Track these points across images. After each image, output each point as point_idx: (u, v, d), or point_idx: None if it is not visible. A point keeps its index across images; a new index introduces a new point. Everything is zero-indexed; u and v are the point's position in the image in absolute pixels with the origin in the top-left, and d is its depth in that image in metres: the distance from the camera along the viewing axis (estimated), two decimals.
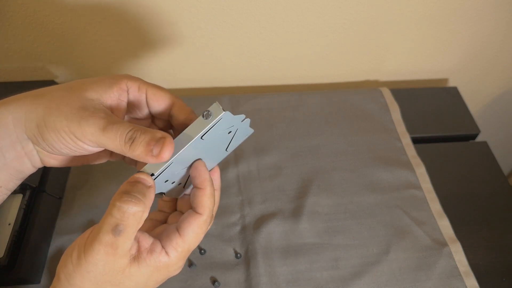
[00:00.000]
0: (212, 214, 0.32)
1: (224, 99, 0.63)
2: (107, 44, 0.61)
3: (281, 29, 0.62)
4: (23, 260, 0.42)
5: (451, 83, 0.76)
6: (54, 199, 0.50)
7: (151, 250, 0.29)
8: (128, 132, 0.28)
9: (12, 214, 0.43)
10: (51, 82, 0.53)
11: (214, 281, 0.45)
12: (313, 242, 0.48)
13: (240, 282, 0.45)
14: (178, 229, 0.31)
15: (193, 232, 0.31)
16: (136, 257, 0.29)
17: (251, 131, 0.35)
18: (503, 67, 0.75)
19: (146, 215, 0.29)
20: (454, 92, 0.69)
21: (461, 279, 0.46)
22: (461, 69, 0.74)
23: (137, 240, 0.29)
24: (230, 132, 0.32)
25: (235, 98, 0.63)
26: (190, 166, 0.32)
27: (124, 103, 0.31)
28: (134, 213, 0.28)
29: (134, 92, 0.31)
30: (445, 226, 0.50)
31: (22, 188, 0.44)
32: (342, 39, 0.65)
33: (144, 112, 0.33)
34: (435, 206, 0.52)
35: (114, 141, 0.28)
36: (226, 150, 0.35)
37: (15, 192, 0.44)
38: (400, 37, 0.66)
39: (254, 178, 0.54)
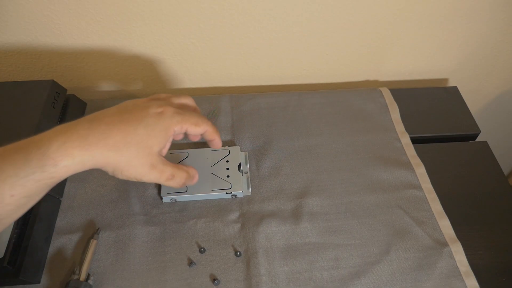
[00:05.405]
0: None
1: (224, 99, 0.63)
2: (106, 44, 0.61)
3: (281, 29, 0.62)
4: (23, 260, 0.42)
5: (451, 83, 0.76)
6: (54, 199, 0.50)
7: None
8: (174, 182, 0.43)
9: None
10: (51, 82, 0.54)
11: (214, 279, 0.45)
12: (313, 241, 0.48)
13: (239, 281, 0.45)
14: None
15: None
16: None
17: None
18: (503, 67, 0.75)
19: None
20: (454, 92, 0.69)
21: (461, 279, 0.46)
22: (461, 69, 0.74)
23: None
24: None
25: (235, 98, 0.63)
26: None
27: (171, 141, 0.44)
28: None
29: (179, 131, 0.43)
30: (445, 226, 0.50)
31: None
32: (342, 39, 0.65)
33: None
34: (436, 206, 0.52)
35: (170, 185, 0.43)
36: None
37: None
38: (400, 37, 0.66)
39: (254, 177, 0.54)
